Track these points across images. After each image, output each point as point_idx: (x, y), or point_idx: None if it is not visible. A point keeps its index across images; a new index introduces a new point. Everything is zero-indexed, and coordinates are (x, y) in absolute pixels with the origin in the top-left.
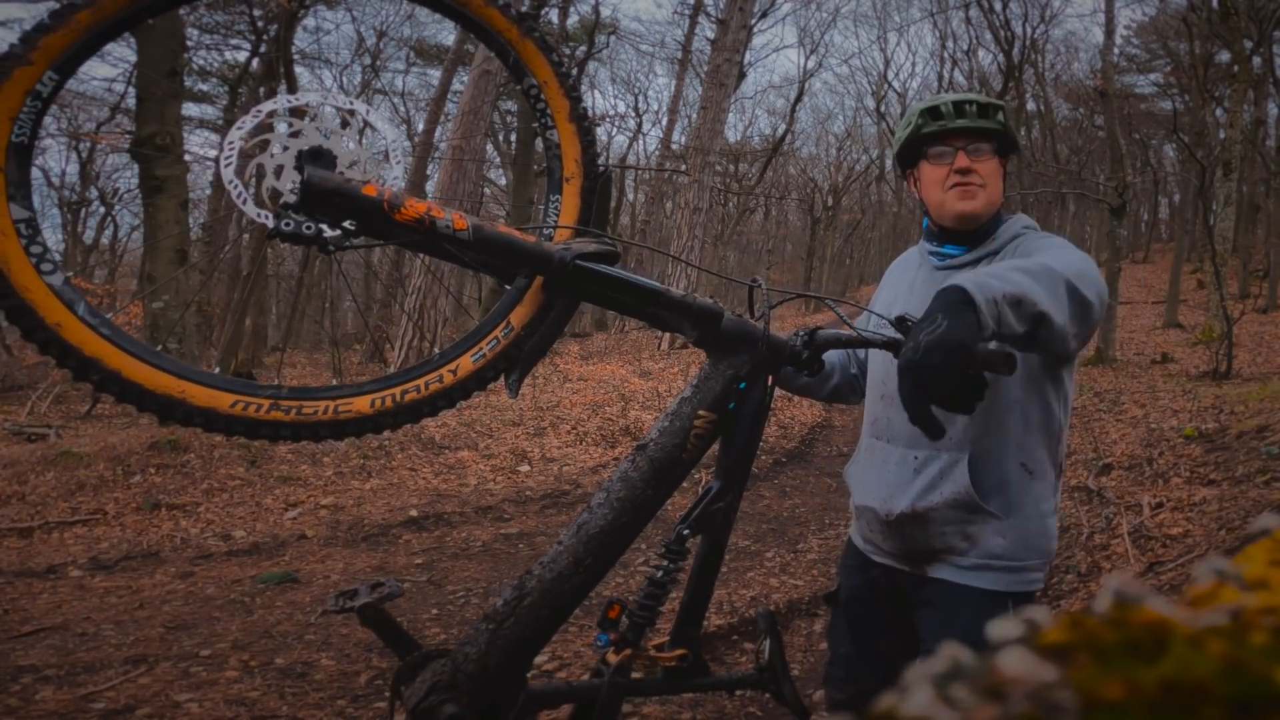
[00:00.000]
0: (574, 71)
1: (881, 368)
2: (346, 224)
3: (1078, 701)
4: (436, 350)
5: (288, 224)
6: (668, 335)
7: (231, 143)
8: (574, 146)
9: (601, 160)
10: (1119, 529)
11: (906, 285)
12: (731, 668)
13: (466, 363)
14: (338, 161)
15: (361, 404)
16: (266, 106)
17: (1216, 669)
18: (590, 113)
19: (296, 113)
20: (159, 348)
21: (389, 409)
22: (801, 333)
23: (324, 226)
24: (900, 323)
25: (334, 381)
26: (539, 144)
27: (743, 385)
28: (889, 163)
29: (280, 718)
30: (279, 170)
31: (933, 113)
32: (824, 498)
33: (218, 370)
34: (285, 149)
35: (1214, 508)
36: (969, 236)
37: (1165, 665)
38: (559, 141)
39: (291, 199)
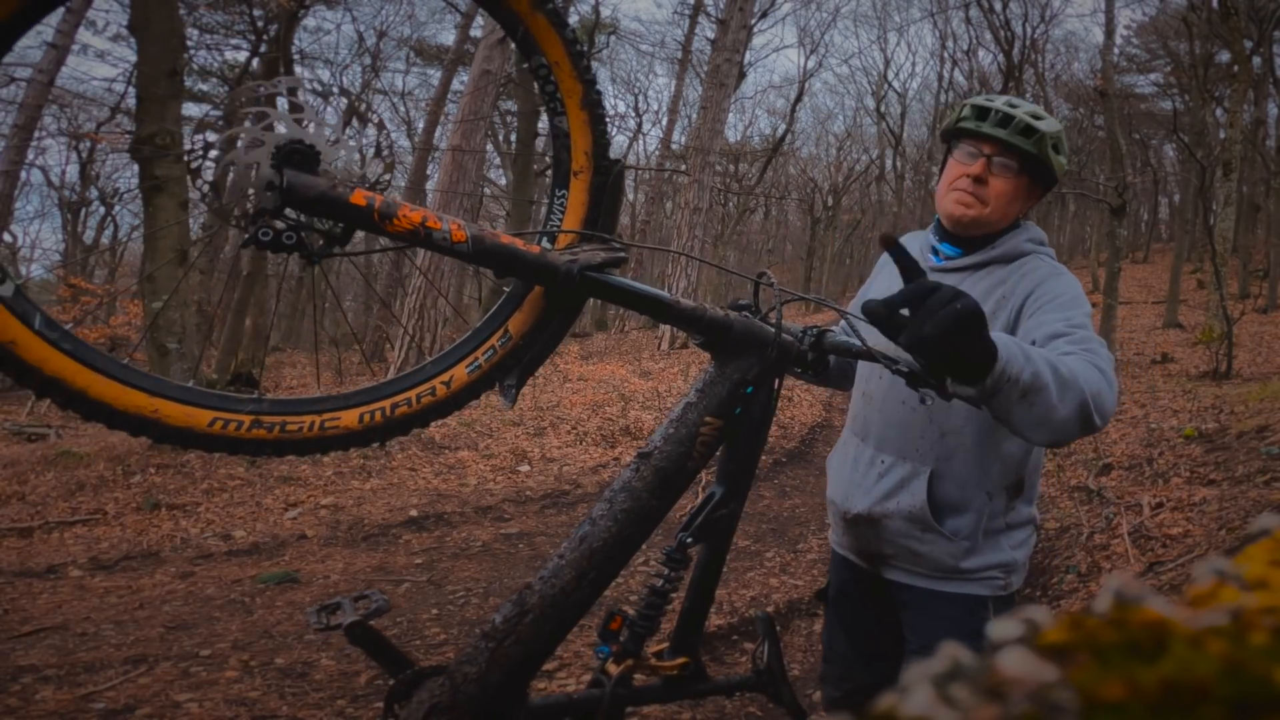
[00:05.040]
0: (588, 52)
1: (866, 365)
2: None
3: (1078, 701)
4: (431, 354)
5: (265, 233)
6: (668, 334)
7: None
8: (585, 136)
9: (615, 154)
10: (1119, 529)
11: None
12: (731, 667)
13: (461, 373)
14: (321, 158)
15: (350, 419)
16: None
17: (1216, 669)
18: (604, 100)
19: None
20: (157, 347)
21: (379, 424)
22: (809, 331)
23: (304, 234)
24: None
25: (320, 392)
26: (546, 130)
27: (749, 390)
28: (889, 163)
29: (280, 718)
30: (252, 171)
31: (979, 112)
32: (824, 497)
33: (191, 384)
34: (259, 144)
35: (1214, 508)
36: (965, 240)
37: (1165, 665)
38: (569, 130)
39: (267, 204)
